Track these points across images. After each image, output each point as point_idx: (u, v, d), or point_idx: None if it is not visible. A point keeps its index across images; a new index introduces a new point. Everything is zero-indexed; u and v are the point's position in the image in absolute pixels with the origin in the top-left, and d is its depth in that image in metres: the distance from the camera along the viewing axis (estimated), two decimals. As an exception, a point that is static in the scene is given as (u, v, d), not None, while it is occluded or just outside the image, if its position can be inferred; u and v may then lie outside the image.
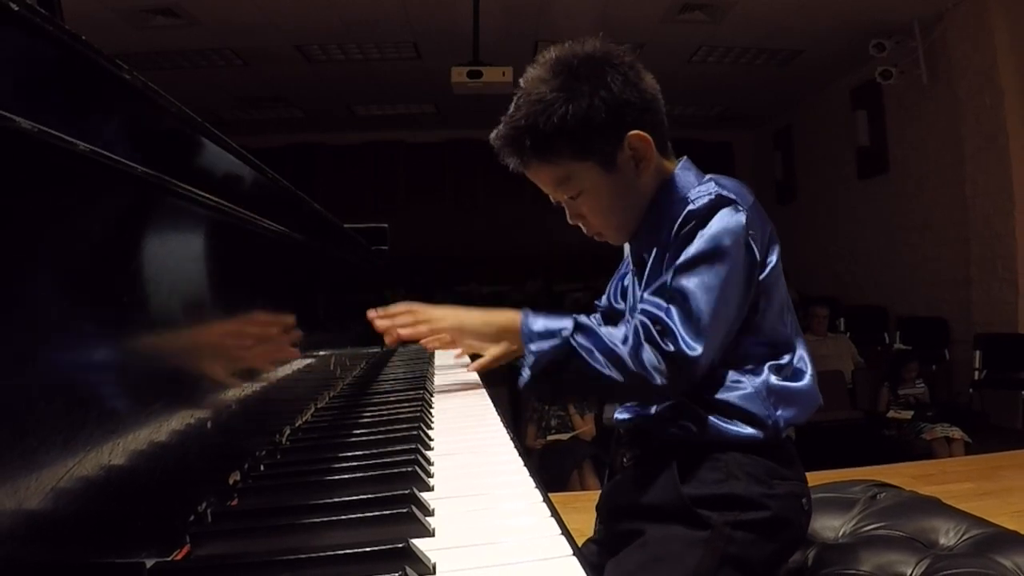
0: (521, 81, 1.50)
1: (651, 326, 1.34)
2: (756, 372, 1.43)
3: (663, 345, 1.32)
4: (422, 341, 1.74)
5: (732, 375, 1.42)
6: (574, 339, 1.36)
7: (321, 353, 1.70)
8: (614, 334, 1.36)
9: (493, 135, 1.51)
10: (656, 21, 8.09)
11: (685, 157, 1.57)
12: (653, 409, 1.48)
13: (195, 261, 0.99)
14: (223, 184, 1.05)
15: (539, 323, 1.41)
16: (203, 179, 0.96)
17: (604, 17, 7.92)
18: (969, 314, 7.93)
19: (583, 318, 1.41)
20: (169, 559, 0.74)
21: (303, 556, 0.70)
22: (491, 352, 1.76)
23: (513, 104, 1.49)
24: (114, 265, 0.73)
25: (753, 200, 1.44)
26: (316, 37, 8.59)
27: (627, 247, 1.67)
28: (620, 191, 1.50)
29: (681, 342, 1.32)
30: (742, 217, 1.38)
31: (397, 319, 1.71)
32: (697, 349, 1.32)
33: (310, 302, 1.73)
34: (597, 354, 1.34)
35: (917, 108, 8.65)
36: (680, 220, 1.39)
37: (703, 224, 1.38)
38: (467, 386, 1.91)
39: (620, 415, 1.56)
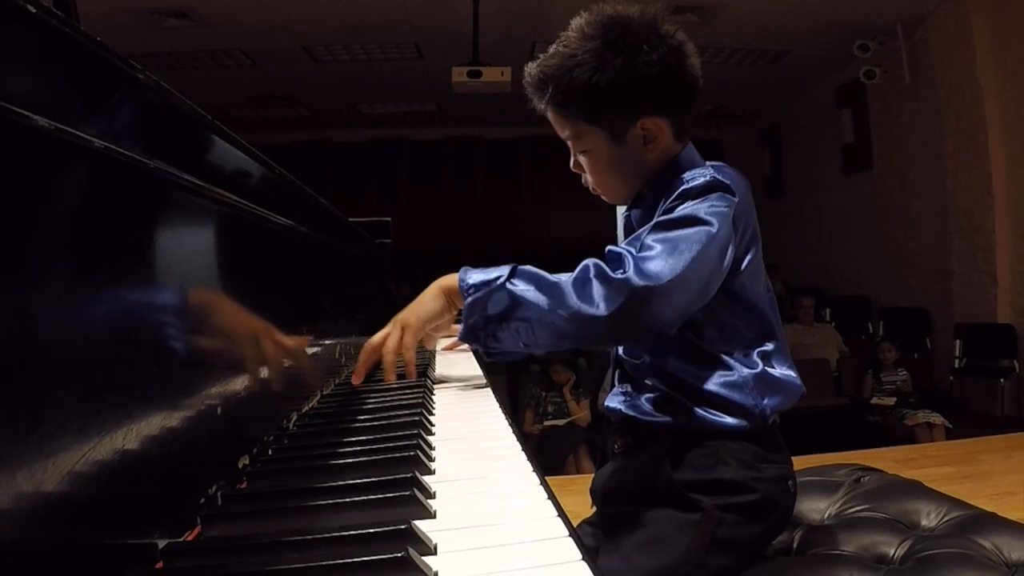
0: (571, 23, 1.44)
1: (601, 262, 1.27)
2: (746, 357, 1.41)
3: (610, 273, 1.24)
4: (407, 363, 1.55)
5: (721, 358, 1.40)
6: (510, 282, 1.31)
7: (327, 342, 1.70)
8: (559, 275, 1.30)
9: (526, 70, 1.46)
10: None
11: (690, 143, 1.53)
12: (643, 399, 1.46)
13: (205, 253, 0.99)
14: (233, 180, 1.05)
15: (476, 275, 1.36)
16: (214, 175, 0.96)
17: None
18: (950, 304, 7.95)
19: (525, 266, 1.35)
20: (180, 540, 0.74)
21: (309, 537, 0.70)
22: (454, 326, 1.56)
23: (553, 46, 1.44)
24: (128, 256, 0.73)
25: (746, 193, 1.41)
26: (322, 38, 8.59)
27: (619, 214, 1.63)
28: (622, 163, 1.47)
29: (633, 271, 1.23)
30: (732, 199, 1.35)
31: (363, 367, 1.56)
32: (651, 279, 1.22)
33: (316, 293, 1.73)
34: (535, 292, 1.28)
35: (900, 106, 8.66)
36: (674, 196, 1.36)
37: (693, 198, 1.34)
38: (467, 374, 1.91)
39: (611, 403, 1.53)
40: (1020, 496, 3.71)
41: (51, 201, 0.59)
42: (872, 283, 9.56)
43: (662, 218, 1.33)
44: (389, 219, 2.82)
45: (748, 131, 12.86)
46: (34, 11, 0.54)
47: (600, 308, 1.22)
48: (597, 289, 1.23)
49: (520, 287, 1.30)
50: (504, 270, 1.33)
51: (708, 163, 1.47)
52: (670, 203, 1.36)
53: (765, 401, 1.39)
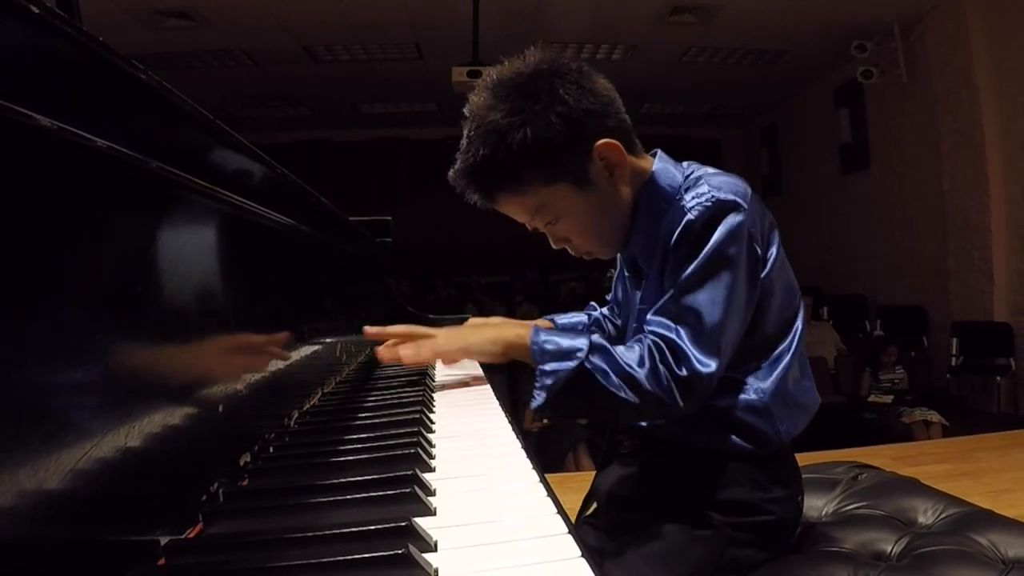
0: (465, 111, 1.35)
1: (664, 349, 1.25)
2: (764, 372, 1.37)
3: (677, 370, 1.24)
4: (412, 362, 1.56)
5: (736, 378, 1.36)
6: (589, 361, 1.26)
7: (328, 340, 1.70)
8: (629, 356, 1.26)
9: (451, 174, 1.37)
10: (648, 23, 8.08)
11: (658, 151, 1.44)
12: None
13: (207, 253, 0.99)
14: (234, 179, 1.05)
15: (551, 342, 1.30)
16: (215, 174, 0.96)
17: (597, 19, 7.91)
18: (947, 303, 7.95)
19: (597, 338, 1.30)
20: (182, 537, 0.74)
21: (310, 534, 0.70)
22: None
23: (465, 138, 1.34)
24: (130, 256, 0.73)
25: (751, 193, 1.33)
26: (323, 39, 8.59)
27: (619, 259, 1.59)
28: (600, 206, 1.38)
29: (695, 362, 1.24)
30: (743, 218, 1.27)
31: (400, 348, 1.56)
32: (711, 366, 1.24)
33: (317, 291, 1.72)
34: (612, 376, 1.25)
35: (897, 106, 8.65)
36: (679, 232, 1.28)
37: (705, 236, 1.26)
38: (467, 373, 1.90)
39: None
40: (1016, 493, 3.71)
41: (54, 200, 0.59)
42: (869, 282, 9.55)
43: (689, 274, 1.27)
44: (389, 218, 2.82)
45: (746, 131, 12.86)
46: (37, 11, 0.54)
47: (671, 401, 1.24)
48: (667, 382, 1.24)
49: (598, 366, 1.26)
50: (582, 343, 1.28)
51: (698, 171, 1.38)
52: (678, 245, 1.29)
53: (783, 427, 1.37)
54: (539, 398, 1.29)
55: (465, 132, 1.34)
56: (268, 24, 7.87)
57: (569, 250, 1.48)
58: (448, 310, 8.44)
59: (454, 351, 1.54)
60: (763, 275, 1.34)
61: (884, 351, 6.92)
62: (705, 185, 1.31)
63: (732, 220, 1.27)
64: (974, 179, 7.44)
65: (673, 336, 1.26)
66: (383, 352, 1.62)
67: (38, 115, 0.54)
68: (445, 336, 1.54)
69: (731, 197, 1.28)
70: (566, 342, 1.29)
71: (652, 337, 1.28)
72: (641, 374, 1.25)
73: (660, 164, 1.42)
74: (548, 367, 1.28)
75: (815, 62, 9.34)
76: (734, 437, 1.35)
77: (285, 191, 1.35)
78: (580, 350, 1.27)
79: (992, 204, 7.30)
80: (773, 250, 1.37)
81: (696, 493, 1.35)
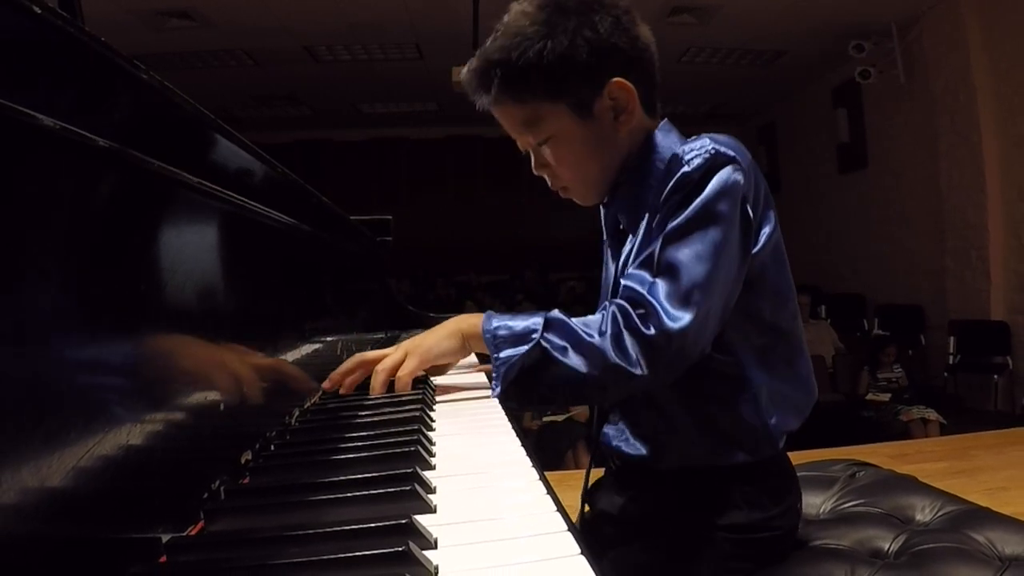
0: (505, 16, 1.32)
1: (630, 311, 1.18)
2: (757, 363, 1.31)
3: (644, 330, 1.15)
4: (398, 382, 1.39)
5: (727, 372, 1.30)
6: (545, 339, 1.21)
7: (329, 339, 1.70)
8: (589, 324, 1.21)
9: (464, 70, 1.34)
10: (647, 23, 8.06)
11: (666, 119, 1.39)
12: (635, 438, 1.39)
13: (208, 251, 0.99)
14: (236, 178, 1.05)
15: (504, 327, 1.25)
16: (216, 173, 0.95)
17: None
18: (944, 301, 7.96)
19: (555, 313, 1.25)
20: (184, 534, 0.74)
21: (311, 531, 0.70)
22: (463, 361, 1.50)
23: (491, 37, 1.32)
24: (131, 254, 0.73)
25: (751, 158, 1.27)
26: (323, 39, 8.59)
27: (602, 211, 1.50)
28: (593, 142, 1.32)
29: (664, 318, 1.15)
30: (739, 176, 1.21)
31: (349, 379, 1.44)
32: (682, 319, 1.14)
33: (318, 290, 1.72)
34: (572, 352, 1.19)
35: (894, 106, 8.66)
36: (673, 182, 1.22)
37: (699, 187, 1.20)
38: (467, 371, 1.90)
39: (609, 441, 1.45)
40: (1013, 491, 3.71)
41: (56, 200, 0.59)
42: (867, 280, 9.56)
43: (675, 225, 1.20)
44: (390, 217, 2.81)
45: (745, 130, 12.85)
46: (39, 12, 0.54)
47: (642, 368, 1.16)
48: (634, 347, 1.16)
49: (555, 343, 1.20)
50: (535, 323, 1.23)
51: (702, 135, 1.29)
52: (671, 195, 1.23)
53: (773, 420, 1.31)
54: (496, 389, 1.25)
55: (493, 32, 1.32)
56: (269, 24, 7.87)
57: (547, 179, 1.41)
58: (448, 309, 8.44)
59: (416, 359, 1.39)
60: (755, 250, 1.27)
61: (883, 351, 6.92)
62: (706, 138, 1.26)
63: (728, 174, 1.21)
64: (971, 178, 7.44)
65: (644, 291, 1.18)
66: (343, 390, 1.46)
67: (40, 115, 0.54)
68: (398, 348, 1.41)
69: (731, 152, 1.23)
70: (520, 324, 1.24)
71: (618, 300, 1.21)
72: (601, 342, 1.18)
73: (665, 127, 1.38)
74: (503, 354, 1.23)
75: (813, 62, 9.34)
76: (723, 447, 1.31)
77: (286, 190, 1.35)
78: (534, 331, 1.22)
79: (989, 203, 7.30)
80: (767, 229, 1.29)
81: (694, 519, 1.32)
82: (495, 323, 1.27)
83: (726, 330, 1.27)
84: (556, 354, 1.20)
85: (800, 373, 1.38)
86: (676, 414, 1.34)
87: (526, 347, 1.22)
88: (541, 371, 1.22)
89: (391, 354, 1.41)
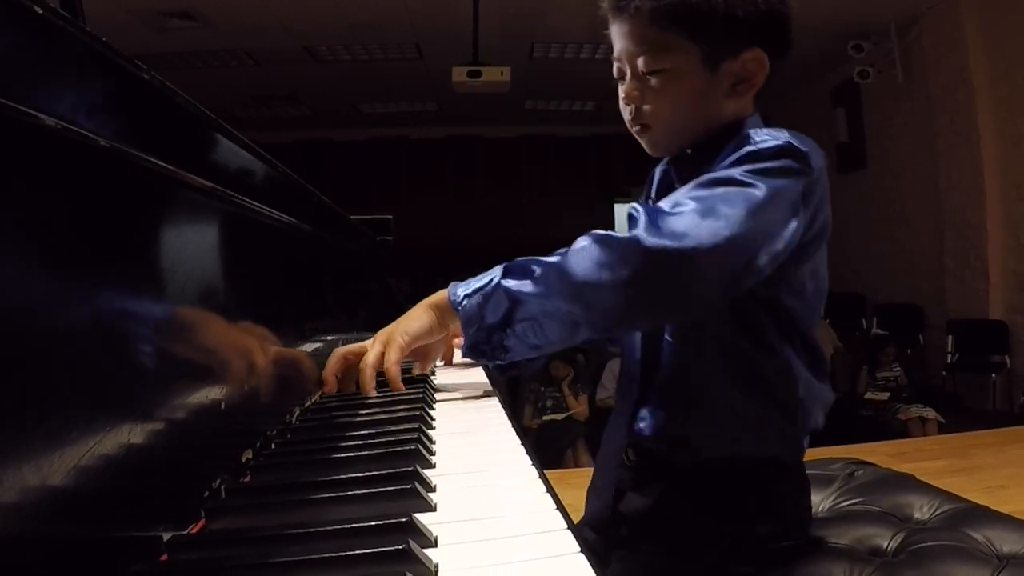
0: None
1: (615, 232, 1.07)
2: (793, 365, 1.26)
3: (615, 236, 1.04)
4: (391, 379, 1.33)
5: (754, 369, 1.25)
6: (503, 283, 1.13)
7: (329, 338, 1.70)
8: (560, 251, 1.11)
9: None
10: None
11: (758, 113, 1.33)
12: (652, 424, 1.32)
13: (209, 251, 0.99)
14: (236, 178, 1.05)
15: (465, 286, 1.20)
16: (217, 173, 0.95)
17: (597, 19, 7.88)
18: (943, 301, 7.96)
19: (519, 260, 1.16)
20: (185, 533, 0.74)
21: (312, 530, 0.70)
22: (446, 341, 1.43)
23: None
24: (133, 253, 0.73)
25: (824, 171, 1.19)
26: (324, 39, 8.59)
27: (656, 172, 1.43)
28: (701, 95, 1.25)
29: (643, 229, 1.03)
30: (801, 176, 1.13)
31: (330, 374, 1.39)
32: (668, 242, 1.01)
33: (319, 289, 1.72)
34: (532, 284, 1.10)
35: (894, 106, 8.66)
36: (737, 155, 1.15)
37: (758, 162, 1.12)
38: (467, 370, 1.90)
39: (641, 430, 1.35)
40: (1011, 489, 3.72)
41: (57, 200, 0.59)
42: (866, 279, 9.56)
43: (705, 176, 1.12)
44: (390, 217, 2.81)
45: (744, 130, 12.87)
46: (40, 12, 0.54)
47: (603, 276, 1.04)
48: (599, 256, 1.05)
49: (515, 283, 1.13)
50: (495, 271, 1.18)
51: (782, 129, 1.24)
52: (730, 164, 1.15)
53: (809, 423, 1.31)
54: (464, 346, 1.20)
55: None
56: (269, 24, 7.88)
57: (628, 112, 1.30)
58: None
59: (396, 344, 1.31)
60: (797, 265, 1.20)
61: (882, 350, 6.93)
62: (785, 132, 1.20)
63: (792, 164, 1.13)
64: (970, 178, 7.45)
65: (637, 206, 1.10)
66: (331, 388, 1.41)
67: (42, 115, 0.54)
68: (376, 340, 1.35)
69: (805, 150, 1.15)
70: (482, 277, 1.19)
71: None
72: (562, 260, 1.08)
73: (757, 119, 1.31)
74: (464, 310, 1.18)
75: (812, 62, 9.33)
76: (756, 446, 1.29)
77: (287, 190, 1.35)
78: (492, 278, 1.16)
79: (988, 203, 7.31)
80: (818, 252, 1.26)
81: (707, 525, 1.29)
82: (459, 287, 1.23)
83: (751, 326, 1.23)
84: (515, 290, 1.12)
85: (824, 371, 1.36)
86: (718, 397, 1.28)
87: (485, 294, 1.17)
88: (505, 316, 1.14)
89: (370, 348, 1.34)
